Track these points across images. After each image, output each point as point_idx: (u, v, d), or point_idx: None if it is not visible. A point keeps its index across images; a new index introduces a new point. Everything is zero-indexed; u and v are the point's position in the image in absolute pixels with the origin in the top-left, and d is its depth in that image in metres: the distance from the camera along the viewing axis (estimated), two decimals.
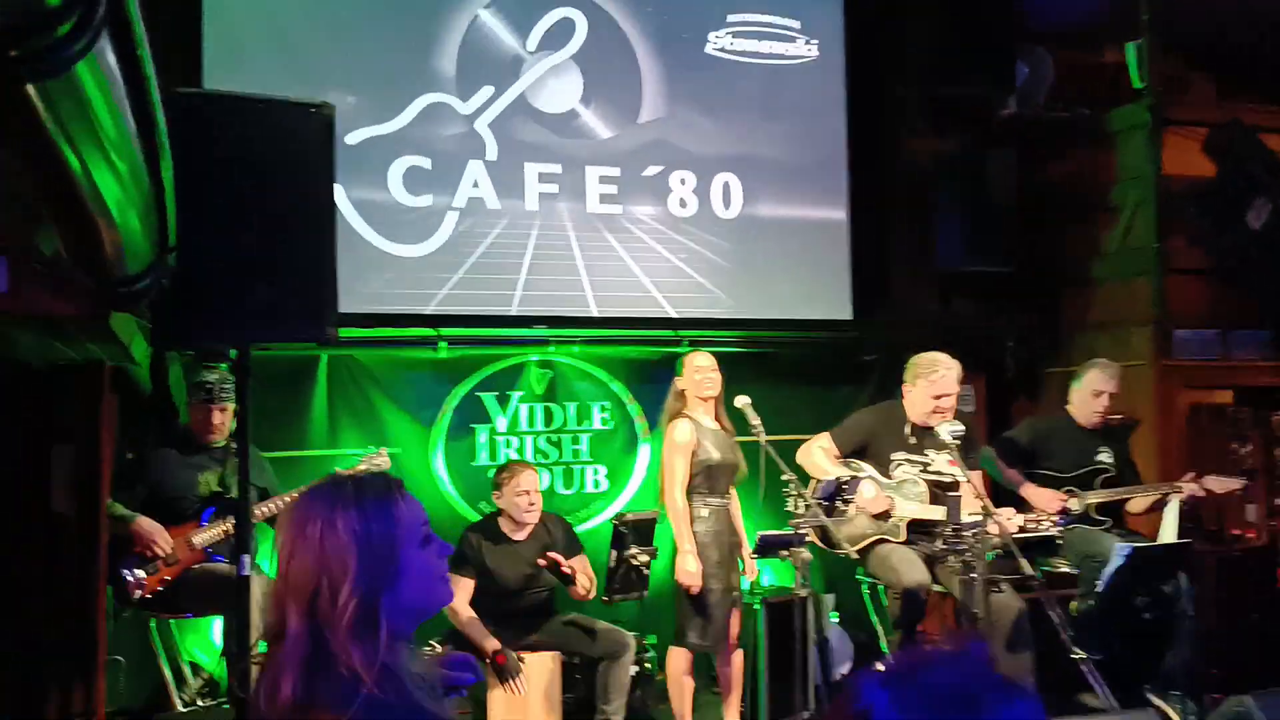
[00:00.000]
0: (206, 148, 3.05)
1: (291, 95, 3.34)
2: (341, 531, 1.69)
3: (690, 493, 4.90)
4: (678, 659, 4.92)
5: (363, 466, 4.72)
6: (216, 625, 5.03)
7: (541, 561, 4.82)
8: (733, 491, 5.09)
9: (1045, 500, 5.26)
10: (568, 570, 4.81)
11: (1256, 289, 6.50)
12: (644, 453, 6.18)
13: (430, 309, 5.78)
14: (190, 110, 3.09)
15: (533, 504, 4.87)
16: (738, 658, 5.05)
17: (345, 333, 5.55)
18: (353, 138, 5.61)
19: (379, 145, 5.73)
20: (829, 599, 6.06)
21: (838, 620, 6.07)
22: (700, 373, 5.01)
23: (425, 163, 5.80)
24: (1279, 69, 7.16)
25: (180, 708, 4.76)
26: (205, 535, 4.65)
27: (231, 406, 4.66)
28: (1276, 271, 6.40)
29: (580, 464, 6.09)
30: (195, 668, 5.02)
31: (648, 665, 5.64)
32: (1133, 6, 6.53)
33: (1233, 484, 5.42)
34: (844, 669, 5.96)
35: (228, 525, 4.57)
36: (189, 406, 4.87)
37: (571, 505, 6.01)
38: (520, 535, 4.91)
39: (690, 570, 4.77)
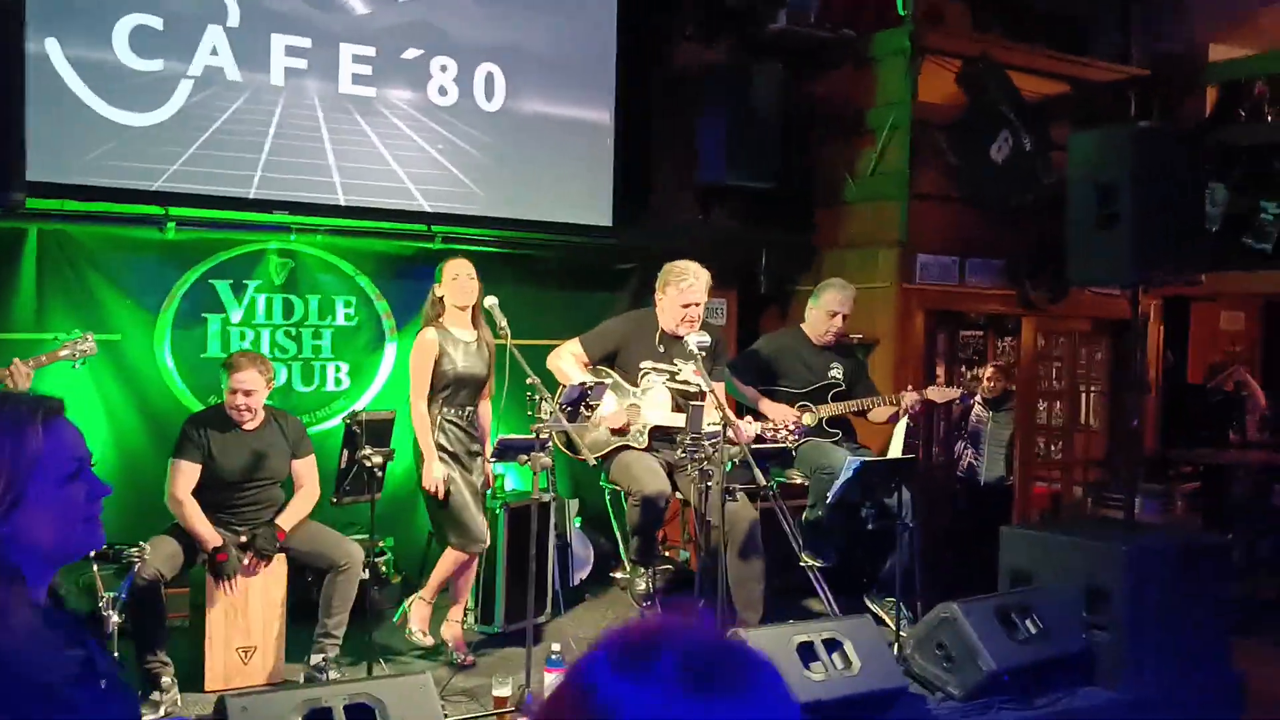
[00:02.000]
0: None
1: None
2: None
3: (436, 402, 4.85)
4: (449, 555, 4.87)
5: (64, 352, 4.29)
6: None
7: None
8: (484, 402, 5.03)
9: (781, 413, 5.38)
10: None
11: (994, 220, 6.80)
12: (390, 351, 5.93)
13: (158, 185, 5.27)
14: None
15: (245, 407, 4.55)
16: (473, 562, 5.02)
17: (55, 204, 5.07)
18: None
19: None
20: (573, 504, 6.05)
21: (580, 525, 6.08)
22: (458, 280, 4.86)
23: (156, 22, 5.24)
24: (1023, 6, 7.48)
25: None
26: None
27: None
28: (1013, 205, 6.72)
29: (321, 360, 5.79)
30: None
31: (383, 569, 5.51)
32: None
33: (951, 394, 5.72)
34: (583, 574, 6.00)
35: None
36: None
37: (311, 403, 5.73)
38: (248, 426, 4.63)
39: (435, 477, 4.76)
